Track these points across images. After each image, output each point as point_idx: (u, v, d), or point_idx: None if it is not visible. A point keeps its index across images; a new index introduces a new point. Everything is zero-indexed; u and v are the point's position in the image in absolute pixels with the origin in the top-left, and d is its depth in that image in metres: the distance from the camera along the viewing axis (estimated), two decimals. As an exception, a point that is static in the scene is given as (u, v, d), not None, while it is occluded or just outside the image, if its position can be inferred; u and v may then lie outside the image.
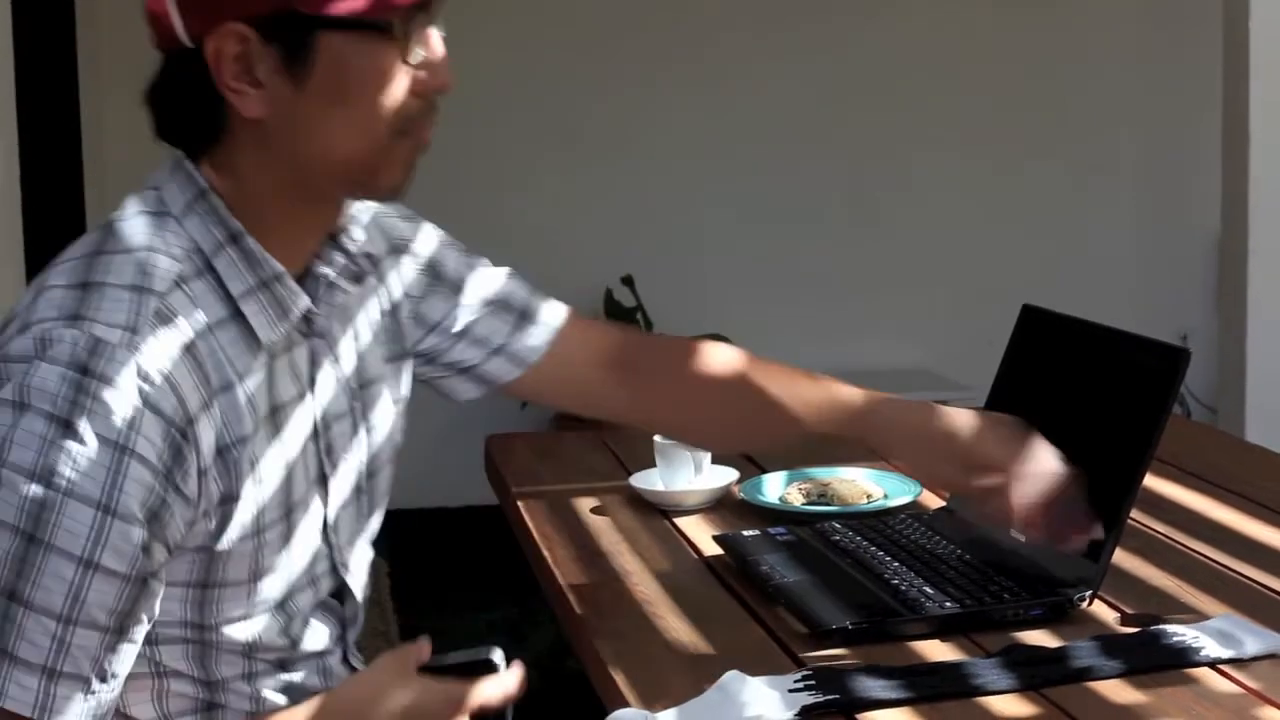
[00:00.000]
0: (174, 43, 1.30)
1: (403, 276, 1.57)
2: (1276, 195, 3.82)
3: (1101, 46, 5.13)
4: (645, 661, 1.62)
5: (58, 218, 3.94)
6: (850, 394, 1.68)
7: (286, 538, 1.39)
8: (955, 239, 5.10)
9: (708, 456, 2.19)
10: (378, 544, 1.56)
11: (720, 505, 2.17)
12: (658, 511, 2.16)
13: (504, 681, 1.46)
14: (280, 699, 1.42)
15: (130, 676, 1.29)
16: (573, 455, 2.51)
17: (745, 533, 1.97)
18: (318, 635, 1.45)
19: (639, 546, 2.02)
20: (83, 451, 1.20)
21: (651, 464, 2.23)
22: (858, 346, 4.97)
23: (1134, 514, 1.82)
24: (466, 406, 1.73)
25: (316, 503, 1.43)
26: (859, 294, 5.06)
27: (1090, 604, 1.68)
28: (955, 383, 4.74)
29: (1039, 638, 1.62)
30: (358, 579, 1.50)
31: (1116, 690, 1.49)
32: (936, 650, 1.61)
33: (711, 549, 1.96)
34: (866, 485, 2.15)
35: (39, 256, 3.13)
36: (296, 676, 1.44)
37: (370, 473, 1.51)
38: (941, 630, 1.64)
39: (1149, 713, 1.45)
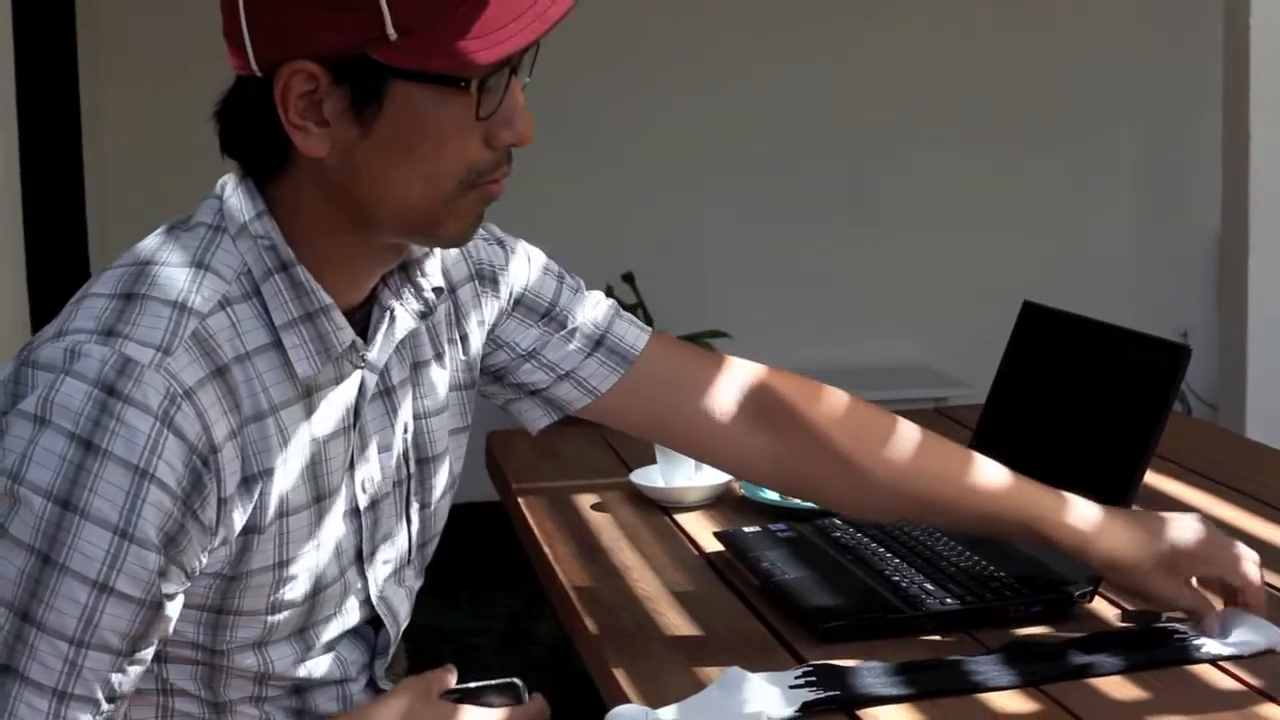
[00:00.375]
0: (246, 69, 1.27)
1: (480, 304, 1.53)
2: (1277, 193, 3.82)
3: (1101, 46, 5.13)
4: (646, 658, 1.62)
5: (58, 214, 3.94)
6: (1047, 504, 1.61)
7: (313, 571, 1.36)
8: (955, 239, 5.10)
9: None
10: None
11: (721, 501, 2.17)
12: (658, 508, 2.16)
13: (527, 712, 1.45)
14: None
15: (135, 691, 1.27)
16: (573, 452, 2.50)
17: (746, 529, 1.97)
18: (340, 664, 1.42)
19: (639, 543, 2.02)
20: (102, 474, 1.18)
21: (652, 460, 2.23)
22: (858, 346, 4.97)
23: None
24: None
25: (349, 536, 1.40)
26: (859, 294, 5.06)
27: (1091, 601, 1.68)
28: (955, 380, 4.75)
29: (1040, 634, 1.62)
30: (396, 611, 1.47)
31: (1117, 687, 1.49)
32: (937, 647, 1.61)
33: (712, 545, 1.96)
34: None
35: (39, 253, 3.15)
36: (311, 701, 1.41)
37: (423, 504, 1.48)
38: (942, 627, 1.64)
39: (1149, 709, 1.45)
